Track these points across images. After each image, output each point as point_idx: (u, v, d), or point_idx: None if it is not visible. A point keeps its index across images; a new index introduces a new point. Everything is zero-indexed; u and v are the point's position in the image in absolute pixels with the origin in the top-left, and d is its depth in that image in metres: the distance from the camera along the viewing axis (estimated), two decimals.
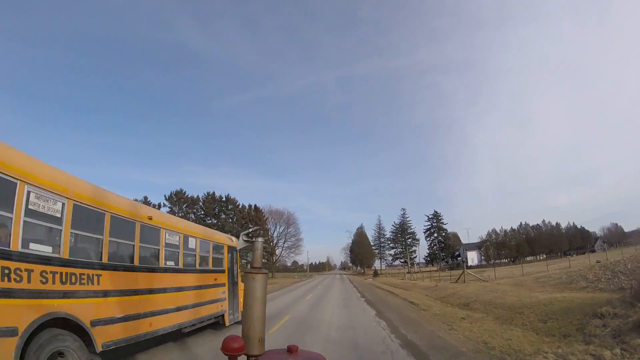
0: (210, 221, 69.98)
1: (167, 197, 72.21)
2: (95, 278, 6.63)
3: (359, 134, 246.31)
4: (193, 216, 70.58)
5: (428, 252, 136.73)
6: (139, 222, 8.43)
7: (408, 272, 75.78)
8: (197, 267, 11.42)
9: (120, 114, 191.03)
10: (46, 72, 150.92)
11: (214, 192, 71.37)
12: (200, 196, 72.36)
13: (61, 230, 6.07)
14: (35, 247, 5.53)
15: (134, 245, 8.13)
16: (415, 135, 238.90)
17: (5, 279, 4.82)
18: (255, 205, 72.71)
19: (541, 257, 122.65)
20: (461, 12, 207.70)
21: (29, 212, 5.42)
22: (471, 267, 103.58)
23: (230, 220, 70.53)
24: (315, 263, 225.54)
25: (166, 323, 8.94)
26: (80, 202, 6.58)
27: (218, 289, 12.66)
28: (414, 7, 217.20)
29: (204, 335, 12.13)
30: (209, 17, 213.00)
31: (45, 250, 5.74)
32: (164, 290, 9.01)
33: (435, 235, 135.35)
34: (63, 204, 6.14)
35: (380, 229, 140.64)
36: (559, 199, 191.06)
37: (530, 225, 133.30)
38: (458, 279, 43.15)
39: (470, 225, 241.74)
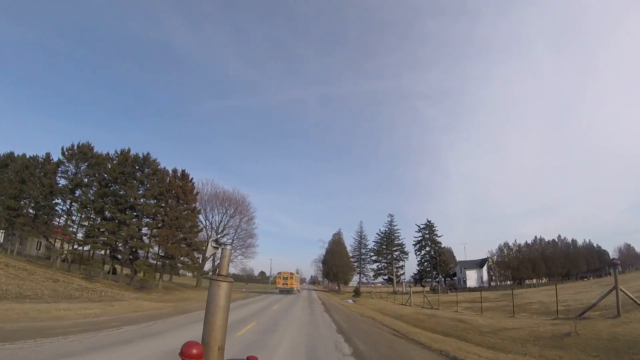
0: (114, 188, 42.68)
1: (65, 150, 45.26)
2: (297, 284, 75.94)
3: (336, 151, 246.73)
4: (97, 184, 43.29)
5: (418, 268, 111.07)
6: (294, 275, 69.77)
7: (423, 293, 49.03)
8: (297, 280, 75.52)
9: (95, 104, 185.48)
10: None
11: (129, 149, 44.70)
12: (111, 154, 45.16)
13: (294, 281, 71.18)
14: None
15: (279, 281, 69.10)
16: (401, 154, 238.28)
17: (294, 285, 67.12)
18: (183, 172, 45.86)
19: (541, 281, 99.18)
20: (445, 43, 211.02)
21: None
22: (475, 290, 79.70)
23: (141, 190, 43.35)
24: None
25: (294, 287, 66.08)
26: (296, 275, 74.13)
27: (298, 284, 75.30)
28: (401, 33, 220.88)
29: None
30: (199, 20, 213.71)
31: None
32: (292, 284, 65.75)
33: (428, 249, 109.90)
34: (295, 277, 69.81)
35: (361, 237, 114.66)
36: (561, 217, 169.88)
37: (546, 240, 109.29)
38: (590, 310, 17.73)
39: (466, 241, 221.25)
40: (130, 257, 42.72)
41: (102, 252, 44.57)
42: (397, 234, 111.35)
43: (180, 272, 64.83)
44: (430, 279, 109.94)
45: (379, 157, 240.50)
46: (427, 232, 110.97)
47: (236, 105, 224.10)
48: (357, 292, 72.15)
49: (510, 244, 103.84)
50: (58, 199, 46.51)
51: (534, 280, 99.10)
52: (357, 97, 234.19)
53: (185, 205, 43.73)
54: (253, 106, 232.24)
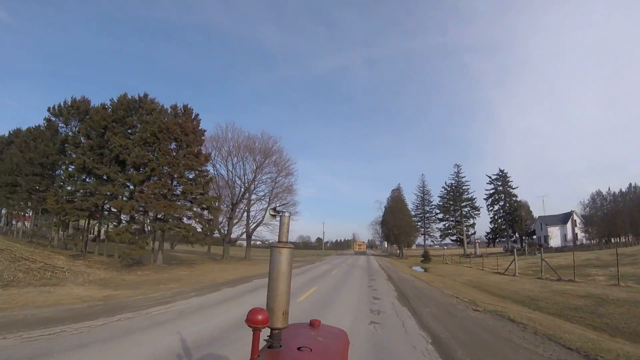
0: (104, 140, 31.14)
1: (55, 108, 37.21)
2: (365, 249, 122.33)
3: (386, 113, 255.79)
4: (84, 140, 32.56)
5: (491, 226, 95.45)
6: (364, 243, 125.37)
7: (541, 257, 34.88)
8: (365, 246, 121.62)
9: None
10: None
11: (125, 94, 34.36)
12: (108, 104, 34.08)
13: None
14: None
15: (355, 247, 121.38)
16: (453, 111, 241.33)
17: (364, 249, 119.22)
18: (185, 107, 33.71)
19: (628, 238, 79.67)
20: None
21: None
22: (564, 250, 64.45)
23: (132, 134, 31.86)
24: (341, 240, 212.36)
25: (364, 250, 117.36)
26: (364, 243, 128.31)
27: (365, 249, 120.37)
28: None
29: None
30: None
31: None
32: (363, 248, 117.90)
33: (502, 203, 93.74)
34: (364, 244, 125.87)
35: (424, 193, 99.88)
36: None
37: None
38: None
39: (545, 193, 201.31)
40: (118, 223, 31.80)
41: (88, 220, 34.37)
42: (466, 187, 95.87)
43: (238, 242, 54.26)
44: (505, 238, 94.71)
45: (430, 115, 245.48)
46: (500, 183, 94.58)
47: (282, 76, 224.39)
48: (426, 257, 58.64)
49: (604, 192, 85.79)
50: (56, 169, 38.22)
51: (629, 238, 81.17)
52: (402, 57, 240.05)
53: (186, 149, 31.48)
54: (299, 76, 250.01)
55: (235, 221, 46.91)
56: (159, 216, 29.76)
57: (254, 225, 49.37)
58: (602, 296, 17.44)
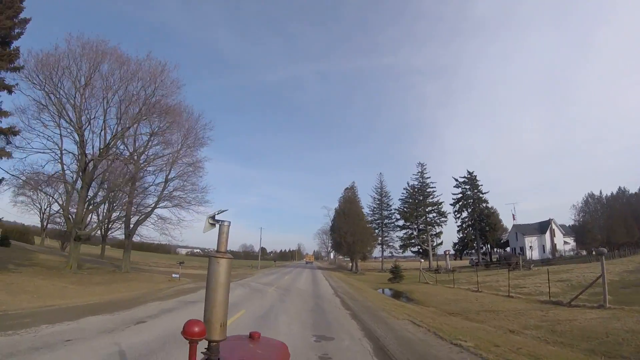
0: None
1: None
2: (313, 260, 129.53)
3: (335, 127, 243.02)
4: None
5: (459, 236, 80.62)
6: (312, 256, 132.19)
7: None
8: (313, 259, 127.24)
9: None
10: None
11: None
12: None
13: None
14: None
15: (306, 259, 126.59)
16: (400, 129, 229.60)
17: (312, 260, 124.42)
18: None
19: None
20: (441, 18, 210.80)
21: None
22: (550, 262, 50.48)
23: None
24: (285, 250, 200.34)
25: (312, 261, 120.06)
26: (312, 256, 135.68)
27: (313, 261, 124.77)
28: (396, 9, 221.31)
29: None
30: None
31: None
32: (312, 259, 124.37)
33: (471, 209, 79.18)
34: (312, 257, 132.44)
35: (382, 195, 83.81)
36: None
37: (630, 192, 78.13)
38: None
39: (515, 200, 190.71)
40: None
41: None
42: (431, 189, 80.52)
43: None
44: (474, 250, 79.84)
45: (378, 131, 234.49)
46: (468, 187, 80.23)
47: (234, 83, 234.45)
48: (396, 274, 41.22)
49: (596, 195, 73.27)
50: None
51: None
52: (354, 73, 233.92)
53: None
54: (251, 84, 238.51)
55: (91, 207, 27.89)
56: None
57: (139, 217, 31.02)
58: None
